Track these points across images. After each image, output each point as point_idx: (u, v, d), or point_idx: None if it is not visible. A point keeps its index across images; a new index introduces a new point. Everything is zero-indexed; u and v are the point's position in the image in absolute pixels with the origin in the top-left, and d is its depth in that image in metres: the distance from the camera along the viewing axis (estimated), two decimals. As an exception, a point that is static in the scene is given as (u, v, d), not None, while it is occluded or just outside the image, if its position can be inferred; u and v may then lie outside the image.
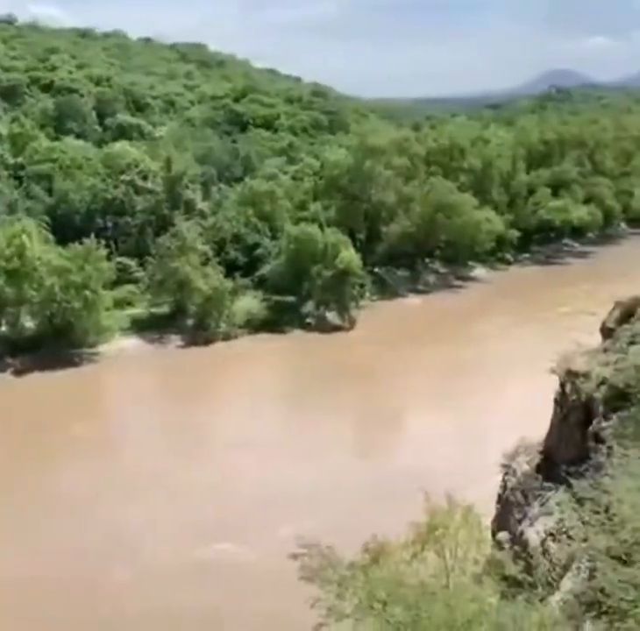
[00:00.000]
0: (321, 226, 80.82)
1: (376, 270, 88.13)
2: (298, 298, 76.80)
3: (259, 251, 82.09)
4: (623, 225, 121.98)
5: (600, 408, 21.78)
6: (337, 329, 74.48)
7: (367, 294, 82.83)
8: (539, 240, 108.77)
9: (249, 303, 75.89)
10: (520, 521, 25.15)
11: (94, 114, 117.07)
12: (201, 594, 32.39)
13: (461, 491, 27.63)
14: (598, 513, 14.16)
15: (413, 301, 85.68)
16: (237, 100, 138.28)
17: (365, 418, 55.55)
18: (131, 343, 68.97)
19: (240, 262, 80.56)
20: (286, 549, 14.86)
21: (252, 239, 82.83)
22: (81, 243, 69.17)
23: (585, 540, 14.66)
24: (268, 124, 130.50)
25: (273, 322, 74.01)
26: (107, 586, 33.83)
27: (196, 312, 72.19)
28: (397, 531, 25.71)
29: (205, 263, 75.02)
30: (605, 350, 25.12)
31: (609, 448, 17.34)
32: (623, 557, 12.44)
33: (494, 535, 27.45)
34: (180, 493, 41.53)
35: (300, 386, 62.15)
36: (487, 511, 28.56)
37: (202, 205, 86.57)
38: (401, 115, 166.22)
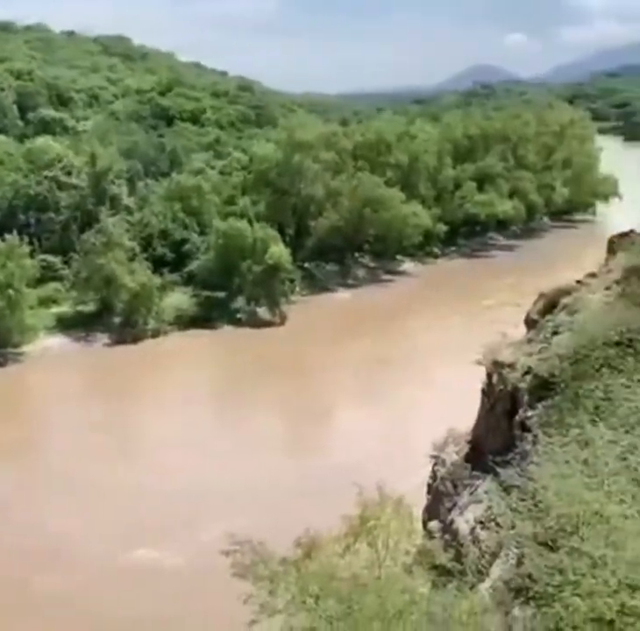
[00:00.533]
0: (250, 221, 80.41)
1: (306, 265, 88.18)
2: (228, 294, 76.33)
3: (187, 246, 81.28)
4: (546, 219, 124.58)
5: (526, 398, 22.18)
6: (267, 324, 74.29)
7: (297, 289, 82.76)
8: (466, 234, 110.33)
9: (178, 299, 75.09)
10: (450, 511, 25.49)
11: (15, 108, 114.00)
12: (129, 599, 31.84)
13: (392, 483, 27.86)
14: (524, 500, 14.42)
15: (343, 295, 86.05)
16: (162, 94, 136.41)
17: (296, 413, 55.53)
18: (57, 341, 67.50)
19: (168, 258, 79.62)
20: (217, 548, 14.72)
21: (180, 235, 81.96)
22: (2, 240, 67.41)
23: (513, 527, 14.88)
24: (195, 119, 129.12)
25: (203, 318, 73.40)
26: (25, 597, 32.34)
27: (124, 309, 71.00)
28: (330, 525, 25.81)
29: (132, 259, 73.89)
30: (529, 341, 25.62)
31: (534, 436, 17.68)
32: (549, 543, 12.69)
33: (424, 525, 27.76)
34: (106, 495, 40.57)
35: (230, 382, 61.84)
36: (418, 502, 28.91)
37: (127, 200, 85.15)
38: (328, 110, 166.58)
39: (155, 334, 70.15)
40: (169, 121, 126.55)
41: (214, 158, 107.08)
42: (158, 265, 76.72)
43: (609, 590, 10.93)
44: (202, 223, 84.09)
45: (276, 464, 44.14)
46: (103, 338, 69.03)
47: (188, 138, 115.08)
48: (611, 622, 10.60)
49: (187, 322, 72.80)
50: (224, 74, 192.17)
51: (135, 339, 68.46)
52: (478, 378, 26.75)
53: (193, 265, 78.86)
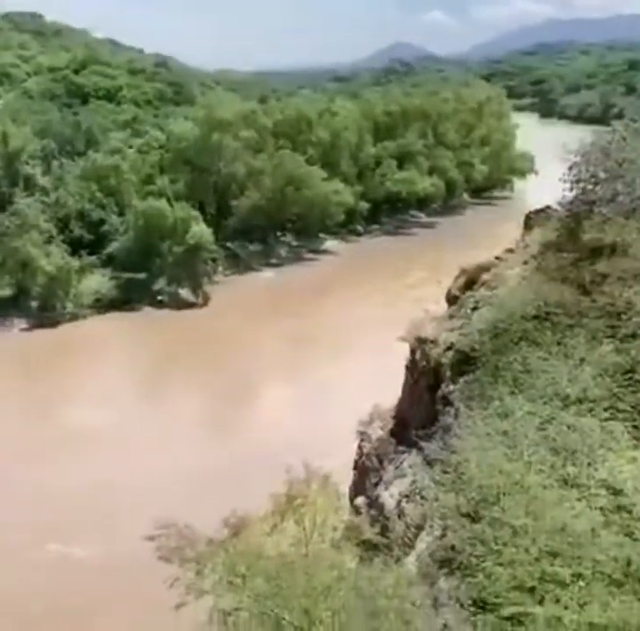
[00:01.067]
0: (169, 201, 79.23)
1: (228, 245, 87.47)
2: (149, 275, 75.17)
3: (105, 227, 79.57)
4: (465, 196, 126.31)
5: (448, 372, 22.50)
6: (190, 305, 73.57)
7: (220, 269, 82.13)
8: (388, 211, 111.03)
9: (97, 282, 73.53)
10: (376, 486, 25.79)
11: None
12: (48, 592, 31.24)
13: (319, 460, 28.04)
14: (447, 473, 14.64)
15: (266, 274, 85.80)
16: (77, 71, 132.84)
17: (220, 395, 55.26)
18: (-29, 328, 65.57)
19: (86, 240, 77.74)
20: (141, 536, 14.49)
21: (98, 216, 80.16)
22: None
23: (437, 500, 15.09)
24: (111, 97, 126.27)
25: (124, 300, 72.17)
26: None
27: (41, 293, 69.24)
28: (258, 505, 25.83)
29: (48, 241, 72.00)
30: (451, 317, 25.96)
31: (457, 410, 17.94)
32: (472, 514, 12.93)
33: (351, 501, 28.05)
34: (16, 491, 39.11)
35: (152, 365, 61.13)
36: (345, 479, 29.16)
37: (42, 181, 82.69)
38: (246, 87, 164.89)
39: (74, 318, 68.72)
40: (84, 99, 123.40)
41: (131, 136, 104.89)
42: (75, 247, 74.86)
43: (530, 558, 11.19)
44: (120, 204, 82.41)
45: (201, 448, 43.83)
46: (20, 323, 67.26)
47: (104, 116, 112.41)
48: (532, 589, 10.87)
49: (107, 304, 71.48)
50: (140, 51, 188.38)
51: (53, 324, 66.95)
52: (402, 354, 27.05)
53: (112, 247, 77.30)
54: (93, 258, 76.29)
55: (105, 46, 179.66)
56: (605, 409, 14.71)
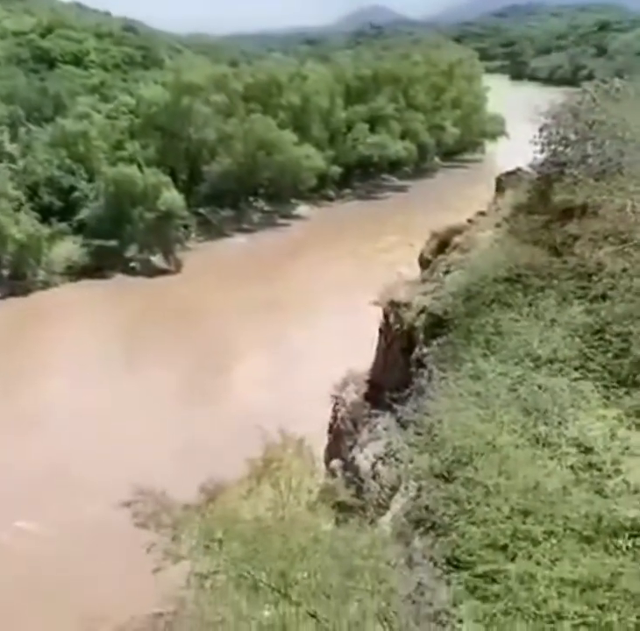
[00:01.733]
0: (140, 166, 78.38)
1: (200, 210, 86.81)
2: (120, 242, 74.52)
3: (75, 194, 78.60)
4: (437, 159, 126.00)
5: (421, 335, 22.62)
6: (162, 272, 73.17)
7: (192, 235, 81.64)
8: (360, 176, 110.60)
9: (68, 249, 72.80)
10: (351, 449, 26.01)
11: None
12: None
13: (294, 425, 28.22)
14: (421, 434, 14.79)
15: (238, 240, 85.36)
16: (43, 35, 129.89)
17: (194, 362, 55.15)
18: (-59, 296, 64.78)
19: (56, 207, 76.81)
20: (120, 500, 14.49)
21: (68, 182, 79.12)
22: None
23: (411, 461, 15.25)
24: (78, 61, 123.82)
25: (96, 267, 71.57)
26: None
27: (11, 261, 68.44)
28: (235, 472, 26.00)
29: (18, 209, 71.01)
30: (424, 281, 26.07)
31: (430, 372, 18.06)
32: (445, 475, 13.09)
33: (327, 464, 28.31)
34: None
35: (125, 332, 60.76)
36: (320, 442, 29.38)
37: (10, 148, 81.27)
38: (216, 50, 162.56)
39: (46, 285, 68.15)
40: (51, 64, 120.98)
41: (100, 101, 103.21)
42: (45, 214, 74.00)
43: (502, 516, 11.37)
44: (90, 170, 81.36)
45: (175, 416, 43.81)
46: (-8, 292, 66.57)
47: (71, 81, 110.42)
48: (505, 547, 11.06)
49: (79, 272, 70.87)
50: (107, 14, 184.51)
51: (24, 292, 66.34)
52: (375, 318, 27.14)
53: (82, 214, 76.41)
54: (63, 225, 75.49)
55: (71, 9, 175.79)
56: (575, 369, 14.88)
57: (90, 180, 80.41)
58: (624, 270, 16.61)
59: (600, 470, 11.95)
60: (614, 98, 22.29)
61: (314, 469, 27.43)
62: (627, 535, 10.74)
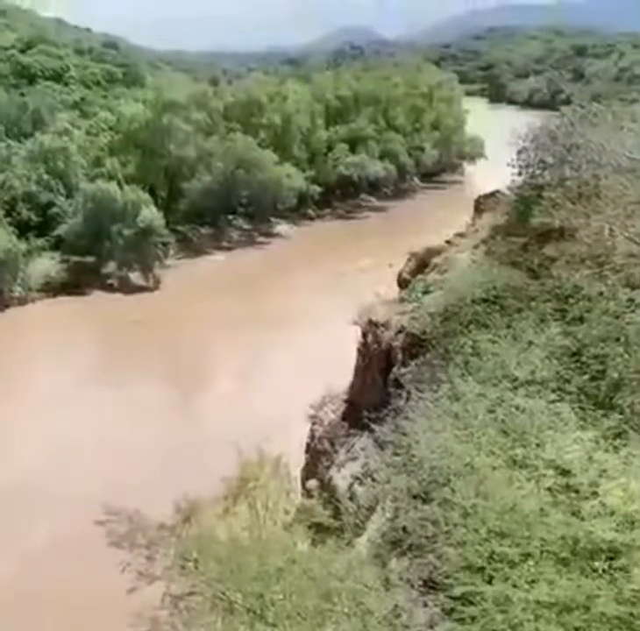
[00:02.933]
0: (119, 183, 78.24)
1: (179, 228, 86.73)
2: (99, 258, 74.23)
3: (53, 210, 78.29)
4: (416, 180, 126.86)
5: (400, 355, 22.68)
6: (141, 289, 72.86)
7: (171, 252, 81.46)
8: (339, 195, 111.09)
9: (46, 265, 72.38)
10: (328, 469, 25.92)
11: None
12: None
13: (271, 444, 28.10)
14: (399, 455, 14.78)
15: (217, 258, 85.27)
16: (23, 51, 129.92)
17: (172, 380, 54.88)
18: None
19: (34, 222, 76.45)
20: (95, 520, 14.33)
21: (46, 198, 78.79)
22: None
23: (388, 481, 15.23)
24: (58, 77, 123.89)
25: (74, 284, 71.15)
26: None
27: (-12, 277, 67.95)
28: (212, 490, 25.83)
29: (-5, 224, 70.68)
30: (402, 300, 26.17)
31: (408, 393, 18.08)
32: (422, 496, 13.07)
33: (303, 484, 28.18)
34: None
35: (103, 349, 60.45)
36: (297, 463, 29.25)
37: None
38: (196, 68, 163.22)
39: (23, 301, 67.65)
40: (31, 80, 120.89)
41: (80, 117, 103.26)
42: (23, 229, 73.58)
43: (479, 538, 11.35)
44: (68, 186, 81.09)
45: (154, 435, 43.46)
46: (-32, 307, 66.01)
47: (51, 97, 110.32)
48: (482, 569, 11.03)
49: (56, 288, 70.40)
50: (88, 30, 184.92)
51: (1, 307, 65.82)
52: (353, 337, 27.15)
53: (61, 230, 76.12)
54: (41, 241, 75.12)
55: (52, 25, 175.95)
56: (553, 391, 14.94)
57: (69, 196, 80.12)
58: (601, 293, 16.75)
59: (577, 492, 11.97)
60: (591, 122, 22.58)
61: (290, 489, 27.33)
62: (603, 557, 10.76)
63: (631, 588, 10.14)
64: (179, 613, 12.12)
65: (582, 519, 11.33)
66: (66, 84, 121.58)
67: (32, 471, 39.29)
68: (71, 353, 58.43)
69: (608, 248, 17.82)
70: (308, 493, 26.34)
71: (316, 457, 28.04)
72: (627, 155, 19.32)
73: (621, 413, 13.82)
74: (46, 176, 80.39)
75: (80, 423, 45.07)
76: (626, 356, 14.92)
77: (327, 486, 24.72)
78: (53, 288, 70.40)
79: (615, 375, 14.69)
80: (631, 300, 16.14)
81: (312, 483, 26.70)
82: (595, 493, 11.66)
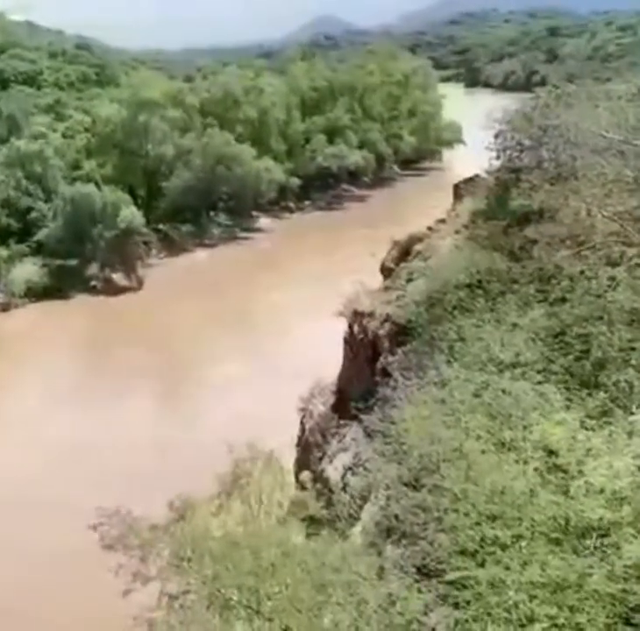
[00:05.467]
0: (98, 185, 77.89)
1: (160, 227, 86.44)
2: (81, 261, 73.79)
3: (33, 214, 77.69)
4: (396, 168, 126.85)
5: (386, 344, 22.75)
6: (125, 290, 72.54)
7: (153, 251, 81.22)
8: (319, 187, 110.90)
9: (28, 270, 71.91)
10: (320, 460, 26.00)
11: None
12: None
13: (265, 439, 28.14)
14: (389, 443, 14.82)
15: (200, 255, 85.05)
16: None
17: (162, 378, 54.78)
18: None
19: (14, 228, 75.94)
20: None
21: (25, 203, 78.23)
22: None
23: (379, 470, 15.27)
24: (32, 81, 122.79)
25: (57, 288, 70.76)
26: None
27: (-30, 284, 67.63)
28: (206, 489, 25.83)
29: (-25, 231, 70.27)
30: (386, 289, 26.22)
31: (395, 381, 18.12)
32: (413, 483, 13.11)
33: (296, 477, 28.25)
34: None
35: (89, 351, 60.24)
36: (290, 456, 29.31)
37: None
38: (171, 66, 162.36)
39: (6, 307, 67.28)
40: (4, 84, 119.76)
41: (55, 121, 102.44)
42: (3, 236, 73.20)
43: (470, 522, 11.40)
44: (47, 190, 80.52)
45: (142, 434, 43.31)
46: (-48, 315, 65.58)
47: (25, 101, 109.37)
48: (474, 553, 11.08)
49: (39, 293, 70.00)
50: (60, 33, 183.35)
51: (-15, 314, 65.55)
52: (340, 328, 27.18)
53: (41, 234, 75.65)
54: (22, 246, 74.65)
55: (23, 28, 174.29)
56: (538, 372, 15.01)
57: (48, 200, 79.59)
58: (582, 272, 16.81)
59: (565, 471, 12.04)
60: (566, 103, 22.64)
61: (283, 482, 27.40)
62: (594, 535, 10.82)
63: (623, 564, 10.20)
64: (175, 612, 12.15)
65: (571, 498, 11.39)
66: (39, 87, 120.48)
67: (30, 471, 39.22)
68: (56, 357, 58.14)
69: (588, 228, 17.89)
70: (301, 486, 26.41)
71: (308, 450, 28.12)
72: (602, 134, 19.36)
73: (605, 391, 13.90)
74: (24, 181, 79.82)
75: (71, 425, 44.91)
76: (609, 334, 14.99)
77: (320, 478, 24.79)
78: (36, 293, 70.01)
79: (599, 354, 14.76)
80: (612, 278, 16.20)
81: (305, 475, 26.78)
82: (582, 472, 11.73)
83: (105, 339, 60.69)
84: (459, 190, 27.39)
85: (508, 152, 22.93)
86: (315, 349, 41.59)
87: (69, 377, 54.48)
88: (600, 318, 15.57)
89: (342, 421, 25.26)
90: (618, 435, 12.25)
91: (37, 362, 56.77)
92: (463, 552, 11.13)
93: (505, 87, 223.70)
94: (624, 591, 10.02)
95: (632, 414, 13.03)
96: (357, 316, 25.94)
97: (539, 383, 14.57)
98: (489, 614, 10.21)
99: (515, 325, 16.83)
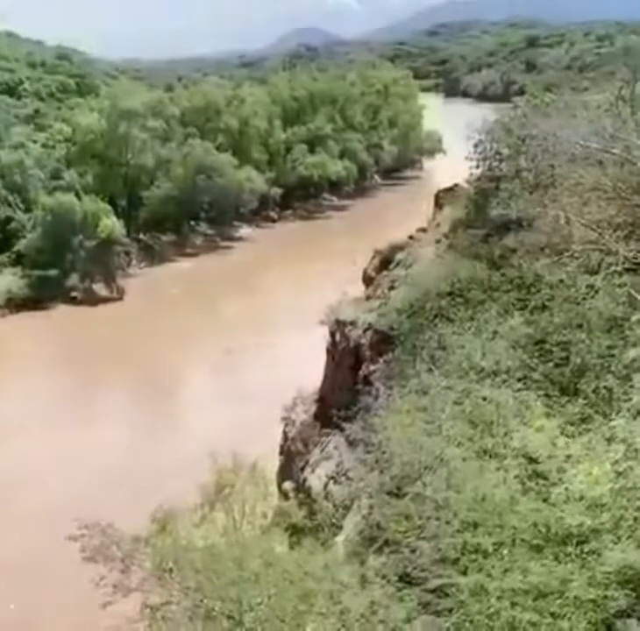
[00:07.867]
0: (78, 195, 77.57)
1: (141, 236, 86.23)
2: (61, 271, 73.34)
3: (12, 225, 77.28)
4: (377, 177, 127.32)
5: (368, 353, 22.75)
6: (105, 300, 72.22)
7: (134, 261, 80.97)
8: (301, 196, 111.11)
9: (7, 281, 71.45)
10: (302, 470, 25.93)
11: None
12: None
13: (247, 449, 28.04)
14: (371, 452, 14.83)
15: (182, 265, 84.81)
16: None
17: (144, 391, 54.47)
18: None
19: (-7, 239, 75.64)
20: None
21: (4, 213, 77.86)
22: None
23: (362, 479, 15.27)
24: (11, 91, 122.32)
25: (37, 298, 70.32)
26: None
27: (-52, 296, 67.08)
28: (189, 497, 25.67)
29: (-47, 242, 69.77)
30: (368, 298, 26.28)
31: (377, 389, 18.14)
32: (395, 491, 13.12)
33: (279, 486, 28.16)
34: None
35: (70, 363, 59.82)
36: (273, 465, 29.21)
37: (-57, 180, 79.88)
38: (152, 76, 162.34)
39: (-15, 319, 66.88)
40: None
41: (35, 131, 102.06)
42: (-18, 247, 72.93)
43: (452, 530, 11.43)
44: (27, 200, 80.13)
45: (123, 452, 42.97)
46: None
47: (5, 111, 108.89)
48: (456, 561, 11.10)
49: (19, 304, 69.53)
50: (40, 43, 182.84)
51: (-35, 326, 64.99)
52: (322, 337, 27.18)
53: (21, 245, 75.22)
54: (2, 256, 74.26)
55: (2, 38, 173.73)
56: (518, 380, 15.08)
57: (28, 210, 79.20)
58: (561, 280, 16.94)
59: (545, 478, 12.10)
60: (544, 112, 22.84)
61: (266, 492, 27.29)
62: (574, 541, 10.89)
63: (603, 571, 10.26)
64: (156, 624, 12.07)
65: (552, 505, 11.45)
66: (19, 98, 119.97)
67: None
68: (35, 368, 57.68)
69: (566, 236, 18.02)
70: (284, 495, 26.33)
71: (291, 459, 28.04)
72: (580, 143, 19.54)
73: (585, 398, 13.99)
74: (3, 191, 79.43)
75: (49, 436, 44.58)
76: (588, 341, 15.11)
77: (302, 487, 24.72)
78: (16, 304, 69.54)
79: (579, 361, 14.87)
80: (591, 286, 16.34)
81: (288, 485, 26.70)
82: (562, 480, 11.79)
83: (83, 349, 60.21)
84: (440, 199, 27.50)
85: (487, 161, 23.09)
86: (296, 358, 41.58)
87: (47, 390, 53.98)
88: (580, 326, 15.69)
89: (324, 430, 25.22)
90: (597, 441, 12.33)
91: (17, 373, 56.35)
92: (445, 560, 11.15)
93: (484, 97, 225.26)
94: (605, 597, 10.08)
95: (611, 420, 13.13)
96: (339, 325, 25.94)
97: (519, 390, 14.65)
98: (471, 622, 10.24)
99: (495, 333, 16.91)
